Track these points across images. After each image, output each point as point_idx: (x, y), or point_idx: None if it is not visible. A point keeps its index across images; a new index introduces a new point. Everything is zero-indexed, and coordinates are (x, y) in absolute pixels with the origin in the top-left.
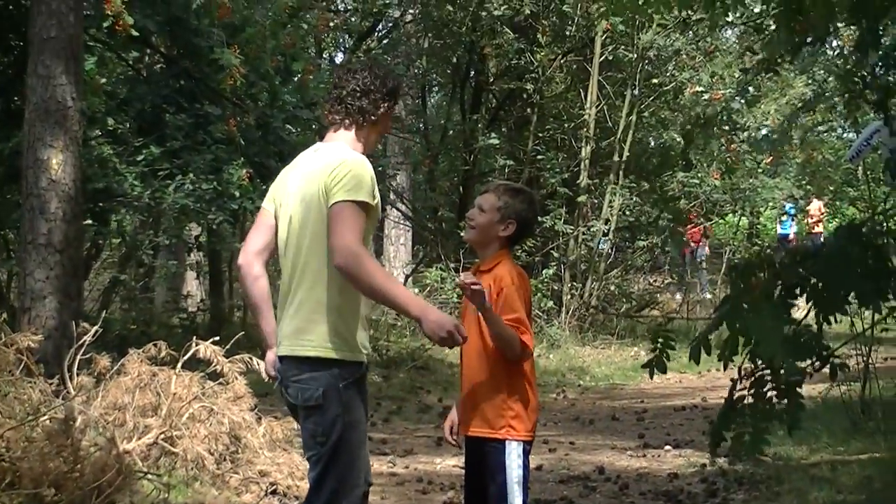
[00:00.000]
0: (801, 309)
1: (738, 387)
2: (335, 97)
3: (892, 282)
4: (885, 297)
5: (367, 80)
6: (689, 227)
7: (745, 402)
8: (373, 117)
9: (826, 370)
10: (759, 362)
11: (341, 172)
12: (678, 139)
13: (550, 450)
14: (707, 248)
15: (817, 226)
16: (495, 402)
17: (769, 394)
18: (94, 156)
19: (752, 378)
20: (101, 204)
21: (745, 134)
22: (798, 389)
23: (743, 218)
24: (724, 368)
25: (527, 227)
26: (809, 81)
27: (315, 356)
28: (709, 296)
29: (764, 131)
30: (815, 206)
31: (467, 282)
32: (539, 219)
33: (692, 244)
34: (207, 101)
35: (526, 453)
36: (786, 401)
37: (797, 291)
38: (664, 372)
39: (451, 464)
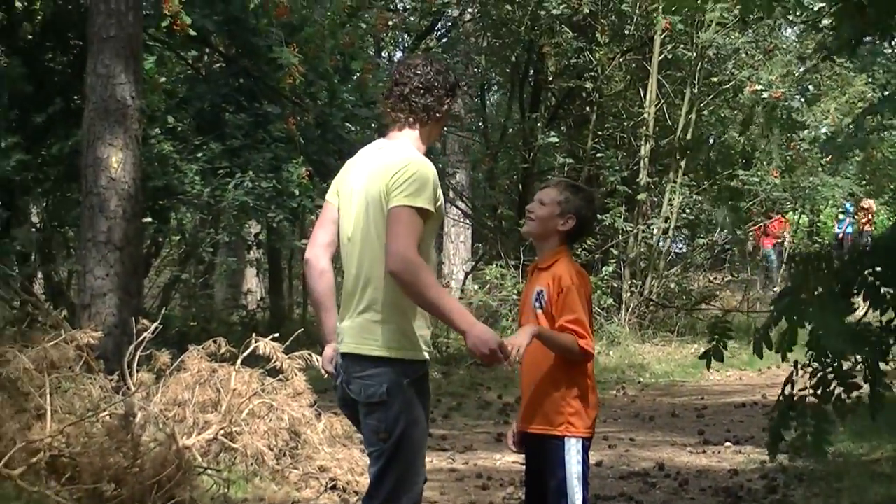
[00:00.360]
0: (860, 307)
1: (797, 385)
2: (398, 94)
3: None
4: None
5: (430, 76)
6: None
7: (806, 400)
8: (437, 114)
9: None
10: (823, 359)
11: (404, 175)
12: (738, 137)
13: (610, 446)
14: (788, 241)
15: (869, 224)
16: (555, 400)
17: (836, 391)
18: (154, 154)
19: (814, 376)
20: (160, 202)
21: (805, 132)
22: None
23: (803, 216)
24: (783, 359)
25: (586, 224)
26: (869, 80)
27: (379, 356)
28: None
29: (824, 129)
30: (867, 205)
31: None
32: (598, 217)
33: (774, 240)
34: (266, 99)
35: (585, 450)
36: (863, 390)
37: (854, 290)
38: (721, 360)
39: (511, 460)
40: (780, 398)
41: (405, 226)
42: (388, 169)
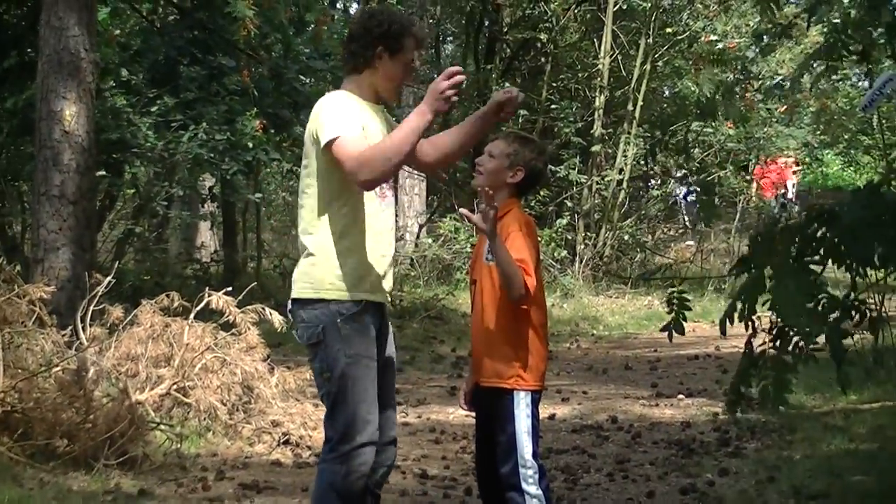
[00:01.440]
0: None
1: (757, 339)
2: (343, 44)
3: None
4: None
5: (358, 24)
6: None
7: (766, 353)
8: (362, 60)
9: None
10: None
11: (317, 116)
12: (692, 88)
13: (563, 399)
14: (794, 187)
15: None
16: (504, 352)
17: (794, 339)
18: (108, 107)
19: (775, 332)
20: (114, 155)
21: (759, 83)
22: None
23: (756, 166)
24: (746, 328)
25: (535, 176)
26: (825, 30)
27: (313, 297)
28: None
29: (778, 80)
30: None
31: (475, 213)
32: (549, 169)
33: (780, 189)
34: (221, 52)
35: (535, 402)
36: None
37: (818, 255)
38: (682, 334)
39: (464, 414)
40: (743, 357)
41: (343, 150)
42: (312, 116)
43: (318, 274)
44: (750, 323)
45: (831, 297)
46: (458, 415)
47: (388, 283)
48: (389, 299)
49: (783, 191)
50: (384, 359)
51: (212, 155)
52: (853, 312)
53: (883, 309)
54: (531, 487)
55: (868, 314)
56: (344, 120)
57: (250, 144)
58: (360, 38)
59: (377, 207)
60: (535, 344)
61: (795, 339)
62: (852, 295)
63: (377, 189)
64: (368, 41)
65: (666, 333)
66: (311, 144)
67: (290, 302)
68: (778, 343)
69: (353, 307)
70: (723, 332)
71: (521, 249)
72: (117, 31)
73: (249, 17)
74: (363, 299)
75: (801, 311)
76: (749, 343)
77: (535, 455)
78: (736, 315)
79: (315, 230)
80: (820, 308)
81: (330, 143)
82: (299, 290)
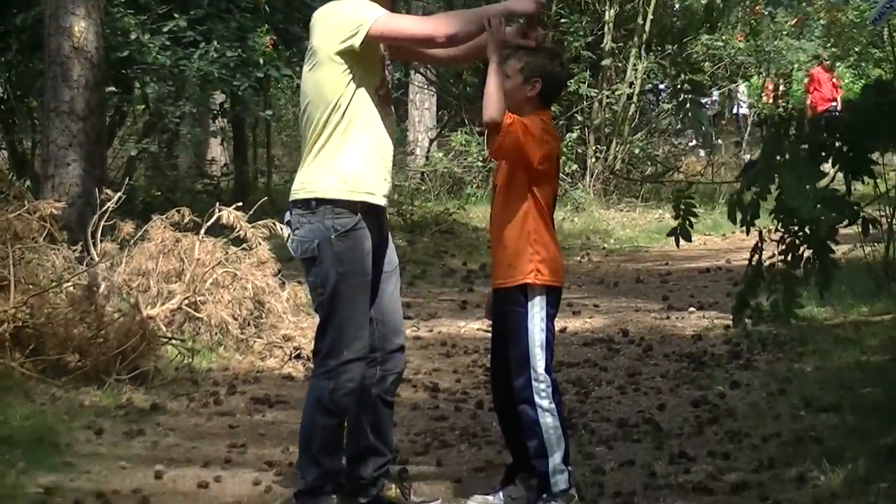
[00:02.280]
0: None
1: (765, 253)
2: None
3: None
4: None
5: None
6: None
7: (775, 266)
8: None
9: (853, 230)
10: (791, 226)
11: (335, 14)
12: (703, 1)
13: (574, 312)
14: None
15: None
16: (516, 248)
17: (805, 254)
18: (120, 25)
19: (783, 241)
20: (123, 71)
21: None
22: (830, 247)
23: (768, 80)
24: (747, 233)
25: (554, 81)
26: None
27: (310, 198)
28: None
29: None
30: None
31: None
32: (568, 70)
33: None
34: None
35: (551, 307)
36: (818, 261)
37: (823, 154)
38: (689, 240)
39: (475, 327)
40: (748, 267)
41: (397, 19)
42: (322, 20)
43: (316, 174)
44: (754, 229)
45: (834, 193)
46: (470, 328)
47: (387, 188)
48: (387, 204)
49: (834, 104)
50: (384, 267)
51: (223, 72)
52: (850, 215)
53: (894, 221)
54: (543, 401)
55: (862, 217)
56: (370, 5)
57: (261, 61)
58: None
59: (382, 112)
60: (546, 239)
61: (805, 250)
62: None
63: (382, 93)
64: None
65: (677, 245)
66: (326, 44)
67: (287, 212)
68: (788, 257)
69: (347, 220)
70: (732, 219)
71: (517, 121)
72: None
73: None
74: (361, 201)
75: (805, 200)
76: (755, 253)
77: (548, 369)
78: (738, 219)
79: (317, 133)
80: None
81: (373, 25)
82: (295, 192)
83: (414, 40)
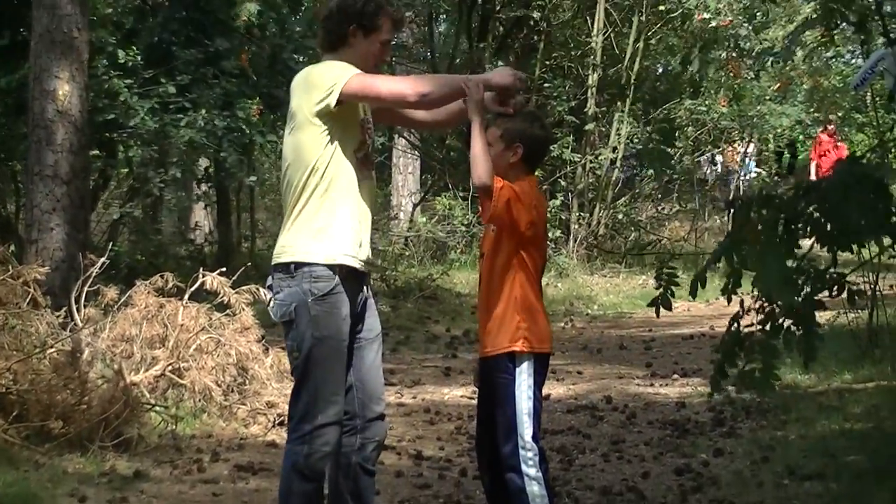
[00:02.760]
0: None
1: (744, 320)
2: (320, 22)
3: (890, 218)
4: (889, 231)
5: (336, 2)
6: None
7: (754, 335)
8: (337, 38)
9: (833, 298)
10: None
11: (309, 77)
12: (681, 69)
13: (558, 379)
14: None
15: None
16: (502, 317)
17: (785, 324)
18: (104, 88)
19: (762, 310)
20: (107, 134)
21: (752, 62)
22: (813, 319)
23: (751, 144)
24: (728, 303)
25: (536, 144)
26: (818, 7)
27: (288, 262)
28: None
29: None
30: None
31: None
32: (550, 132)
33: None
34: (217, 33)
35: (538, 374)
36: (800, 330)
37: (800, 227)
38: (669, 309)
39: (459, 394)
40: (726, 335)
41: (368, 87)
42: (301, 81)
43: (295, 238)
44: (734, 297)
45: (811, 268)
46: (454, 395)
47: (365, 252)
48: (365, 268)
49: None
50: (365, 334)
51: (209, 139)
52: (833, 285)
53: (878, 287)
54: (531, 469)
55: (847, 287)
56: (346, 66)
57: (245, 128)
58: (335, 17)
59: (359, 176)
60: (532, 307)
61: (784, 321)
62: (832, 269)
63: (361, 156)
64: (343, 19)
65: (657, 315)
66: (304, 106)
67: (269, 276)
68: (767, 326)
69: (325, 285)
70: (692, 294)
71: (507, 186)
72: (109, 10)
73: (249, 8)
74: (339, 264)
75: (779, 278)
76: (734, 321)
77: (535, 437)
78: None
79: (297, 196)
80: (800, 279)
81: (347, 84)
82: (276, 256)
83: (387, 100)
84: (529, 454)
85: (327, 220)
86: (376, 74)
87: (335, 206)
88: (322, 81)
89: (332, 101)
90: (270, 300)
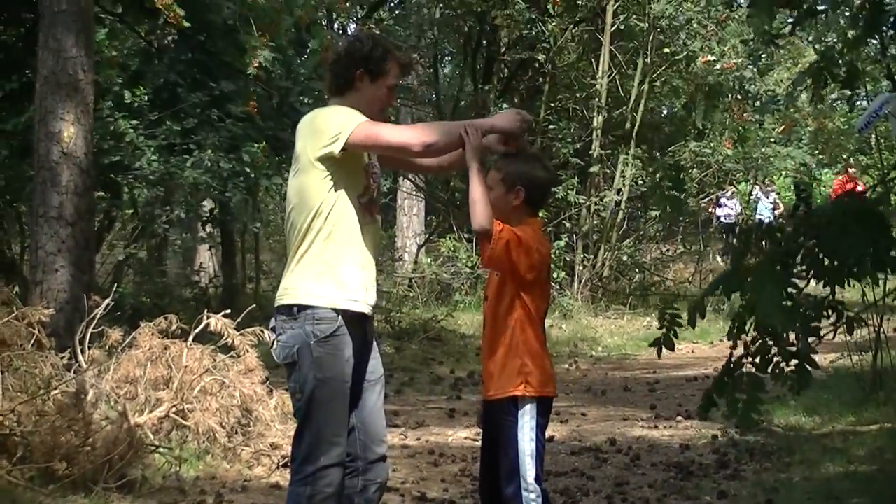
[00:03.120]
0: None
1: (738, 354)
2: (328, 66)
3: (889, 253)
4: (887, 268)
5: (343, 46)
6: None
7: (744, 368)
8: (344, 82)
9: (840, 337)
10: (765, 328)
11: (315, 122)
12: (685, 112)
13: (562, 421)
14: None
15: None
16: (505, 361)
17: (774, 359)
18: (111, 130)
19: (755, 343)
20: (112, 175)
21: (758, 103)
22: (806, 352)
23: (755, 187)
24: (734, 345)
25: (538, 186)
26: (816, 49)
27: (290, 304)
28: None
29: (771, 96)
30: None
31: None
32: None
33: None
34: (223, 76)
35: (541, 416)
36: (794, 363)
37: (798, 260)
38: (672, 350)
39: (463, 436)
40: (723, 367)
41: (372, 135)
42: (307, 125)
43: (298, 280)
44: (735, 336)
45: (809, 298)
46: (458, 437)
47: (369, 296)
48: (371, 312)
49: None
50: (368, 376)
51: (214, 182)
52: (831, 314)
53: (882, 330)
54: None
55: (845, 315)
56: (352, 112)
57: (249, 171)
58: (342, 61)
59: (364, 221)
60: (536, 351)
61: (774, 355)
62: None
63: (365, 201)
64: (350, 64)
65: (659, 356)
66: (308, 150)
67: (273, 318)
68: (757, 359)
69: (328, 327)
70: (692, 323)
71: (507, 229)
72: (114, 53)
73: (259, 47)
74: (343, 309)
75: (776, 305)
76: (732, 351)
77: (538, 479)
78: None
79: (300, 238)
80: (798, 310)
81: (353, 133)
82: (279, 298)
83: (391, 148)
84: (532, 496)
85: (331, 264)
86: (381, 123)
87: (339, 249)
88: (327, 127)
89: (337, 148)
90: (273, 342)
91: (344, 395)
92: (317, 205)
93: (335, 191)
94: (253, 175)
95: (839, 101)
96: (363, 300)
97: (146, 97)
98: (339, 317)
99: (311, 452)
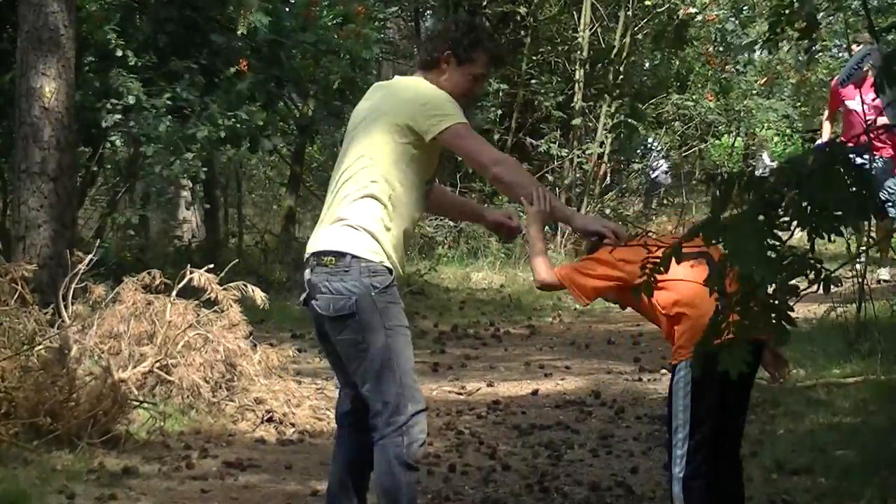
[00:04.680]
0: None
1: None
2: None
3: (872, 202)
4: (869, 216)
5: (440, 25)
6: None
7: (730, 318)
8: (430, 60)
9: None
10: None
11: (421, 95)
12: (674, 61)
13: (546, 374)
14: None
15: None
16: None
17: (755, 309)
18: (96, 86)
19: (738, 294)
20: (94, 131)
21: (740, 57)
22: (787, 304)
23: (738, 139)
24: (710, 294)
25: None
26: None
27: (345, 251)
28: None
29: (758, 53)
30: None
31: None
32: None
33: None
34: (212, 31)
35: (697, 379)
36: (773, 316)
37: (780, 211)
38: (651, 296)
39: (447, 389)
40: (710, 320)
41: (474, 139)
42: (406, 89)
43: (353, 236)
44: (716, 286)
45: (792, 252)
46: (442, 390)
47: (400, 272)
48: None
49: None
50: None
51: (209, 140)
52: (809, 271)
53: (865, 282)
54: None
55: (823, 273)
56: (457, 106)
57: (254, 131)
58: (434, 39)
59: (421, 194)
60: (679, 318)
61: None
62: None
63: (428, 188)
64: (440, 43)
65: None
66: (401, 113)
67: (310, 264)
68: (741, 309)
69: (384, 279)
70: (665, 266)
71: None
72: (94, 8)
73: (258, 18)
74: (391, 269)
75: (758, 256)
76: (719, 303)
77: (690, 436)
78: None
79: (359, 193)
80: (781, 263)
81: (454, 127)
82: (328, 243)
83: (468, 159)
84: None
85: (389, 229)
86: (475, 134)
87: (399, 217)
88: (432, 103)
89: (434, 133)
90: (311, 293)
91: (410, 340)
92: (398, 168)
93: (408, 166)
94: (253, 134)
95: (821, 53)
96: (400, 268)
97: (135, 54)
98: (392, 273)
99: (400, 402)
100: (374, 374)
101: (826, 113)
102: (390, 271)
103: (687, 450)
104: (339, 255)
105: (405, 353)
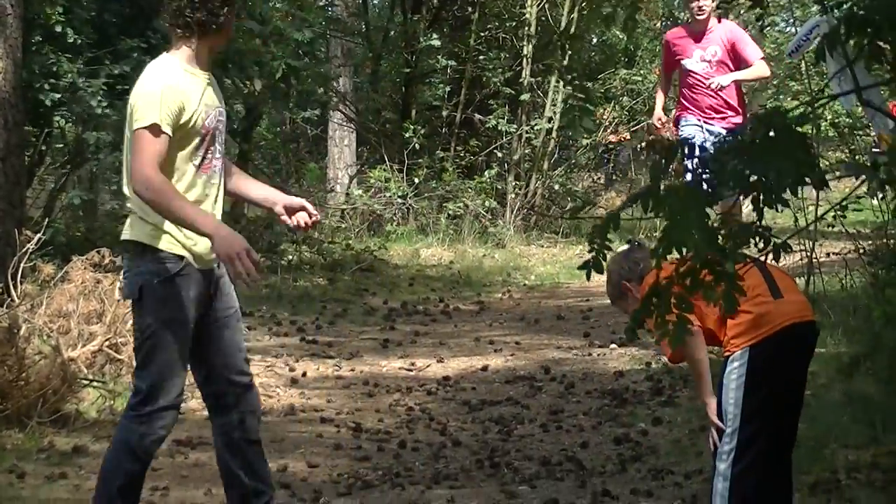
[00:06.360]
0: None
1: (665, 275)
2: (174, 9)
3: (813, 169)
4: (803, 183)
5: None
6: None
7: (672, 288)
8: (213, 26)
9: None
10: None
11: (135, 97)
12: (621, 36)
13: (496, 350)
14: None
15: None
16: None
17: (704, 279)
18: (46, 66)
19: (683, 264)
20: (41, 110)
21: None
22: (734, 272)
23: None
24: (656, 266)
25: None
26: None
27: (137, 241)
28: None
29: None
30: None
31: None
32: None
33: None
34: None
35: (750, 361)
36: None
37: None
38: (600, 272)
39: (398, 366)
40: (649, 288)
41: (139, 147)
42: (135, 88)
43: (142, 224)
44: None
45: (735, 222)
46: (392, 367)
47: (204, 249)
48: (208, 259)
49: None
50: (220, 313)
51: None
52: (758, 240)
53: (814, 255)
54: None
55: (771, 241)
56: (163, 114)
57: None
58: (206, 4)
59: (194, 179)
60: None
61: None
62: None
63: (199, 161)
64: (218, 5)
65: (588, 278)
66: (129, 114)
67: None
68: (686, 280)
69: (174, 266)
70: (604, 234)
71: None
72: None
73: None
74: (184, 256)
75: (699, 227)
76: (657, 274)
77: (741, 428)
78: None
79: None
80: (718, 233)
81: (142, 129)
82: (125, 233)
83: None
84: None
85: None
86: (162, 147)
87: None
88: (141, 104)
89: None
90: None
91: (186, 335)
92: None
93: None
94: None
95: (769, 27)
96: (202, 256)
97: (79, 34)
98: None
99: (151, 393)
100: (139, 361)
101: (660, 75)
102: (182, 258)
103: (735, 445)
104: (133, 244)
105: (171, 347)
